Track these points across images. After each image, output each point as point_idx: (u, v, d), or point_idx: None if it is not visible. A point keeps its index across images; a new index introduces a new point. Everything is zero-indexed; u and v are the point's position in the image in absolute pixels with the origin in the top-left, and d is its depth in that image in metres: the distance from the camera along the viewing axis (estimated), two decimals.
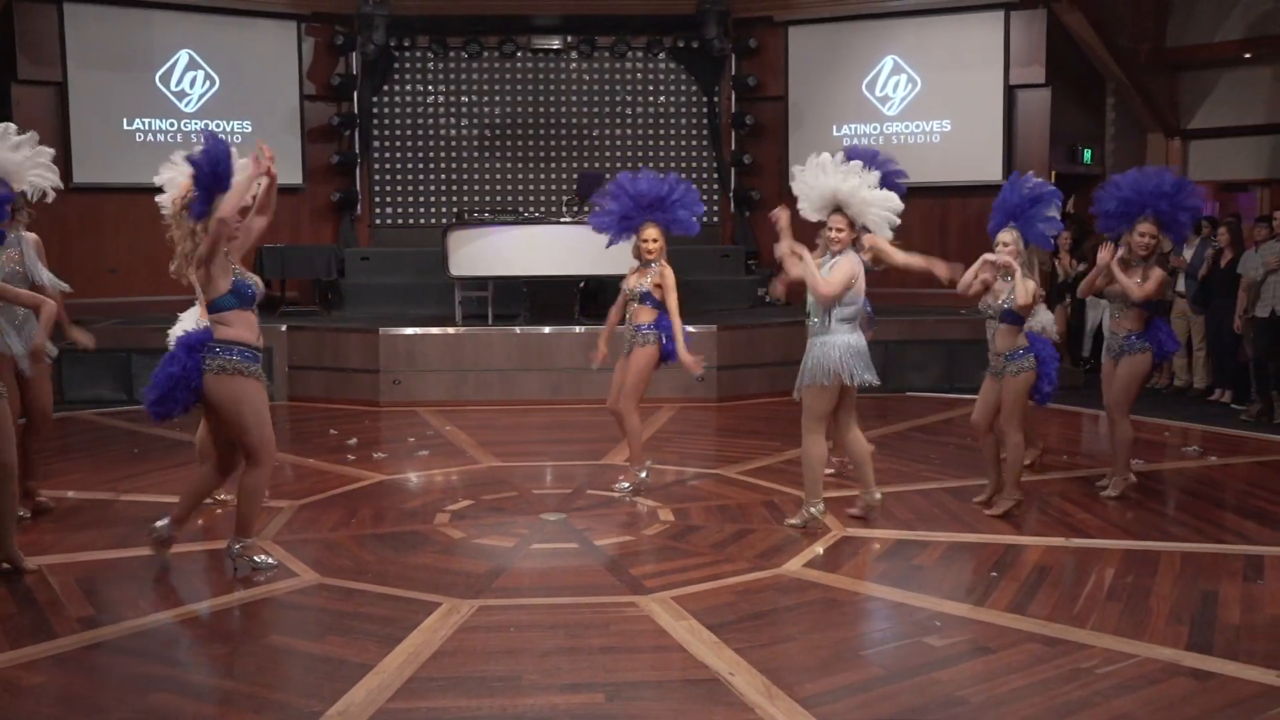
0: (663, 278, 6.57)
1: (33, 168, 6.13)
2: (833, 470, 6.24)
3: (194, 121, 12.22)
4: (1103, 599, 4.88)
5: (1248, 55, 12.15)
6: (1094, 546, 5.68)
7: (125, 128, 11.89)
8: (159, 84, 12.14)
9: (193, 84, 12.28)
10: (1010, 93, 12.31)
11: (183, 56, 12.22)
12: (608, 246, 7.03)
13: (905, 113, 12.81)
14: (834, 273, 5.74)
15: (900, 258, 6.33)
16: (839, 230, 5.79)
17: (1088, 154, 13.05)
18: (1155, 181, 6.44)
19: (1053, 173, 12.26)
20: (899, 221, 5.84)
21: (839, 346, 5.74)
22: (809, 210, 5.99)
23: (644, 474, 6.87)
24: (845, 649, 4.40)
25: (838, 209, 5.80)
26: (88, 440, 8.60)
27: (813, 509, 5.97)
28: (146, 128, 11.98)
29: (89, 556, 5.56)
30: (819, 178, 5.84)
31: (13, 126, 6.16)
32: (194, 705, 3.90)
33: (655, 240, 6.60)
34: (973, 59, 12.39)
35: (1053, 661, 4.18)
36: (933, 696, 3.90)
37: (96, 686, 4.10)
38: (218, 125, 12.22)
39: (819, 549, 5.64)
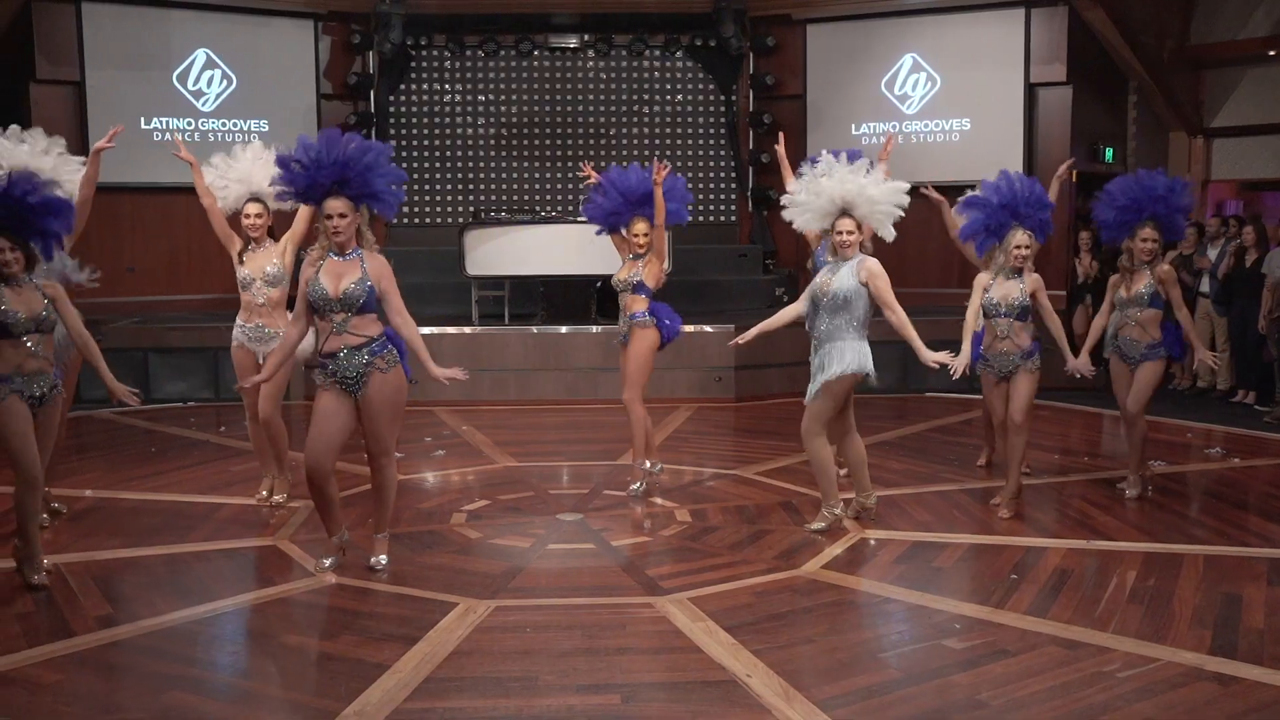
0: (653, 265, 6.61)
1: (64, 173, 6.14)
2: (845, 472, 6.24)
3: (211, 121, 12.28)
4: (1124, 602, 4.83)
5: (1272, 53, 12.02)
6: (1115, 549, 5.63)
7: (143, 127, 11.89)
8: (176, 83, 12.16)
9: (210, 83, 12.30)
10: (1031, 91, 12.20)
11: (200, 56, 12.25)
12: (597, 234, 7.08)
13: (924, 111, 12.73)
14: (879, 281, 5.66)
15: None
16: (849, 233, 5.74)
17: (1109, 153, 12.93)
18: (1149, 185, 6.43)
19: (1074, 172, 12.15)
20: (903, 215, 5.80)
21: (866, 351, 5.76)
22: (812, 220, 5.96)
23: (656, 467, 6.87)
24: (863, 651, 4.38)
25: (844, 212, 5.77)
26: (105, 439, 8.64)
27: (835, 510, 5.94)
28: (164, 127, 11.99)
29: (106, 555, 5.58)
30: (823, 183, 5.80)
31: (40, 131, 6.19)
32: (210, 704, 3.91)
33: (646, 235, 6.63)
34: (993, 57, 12.29)
35: (1073, 665, 4.14)
36: (951, 699, 3.87)
37: (114, 685, 4.11)
38: (235, 124, 12.29)
39: (837, 550, 5.61)
